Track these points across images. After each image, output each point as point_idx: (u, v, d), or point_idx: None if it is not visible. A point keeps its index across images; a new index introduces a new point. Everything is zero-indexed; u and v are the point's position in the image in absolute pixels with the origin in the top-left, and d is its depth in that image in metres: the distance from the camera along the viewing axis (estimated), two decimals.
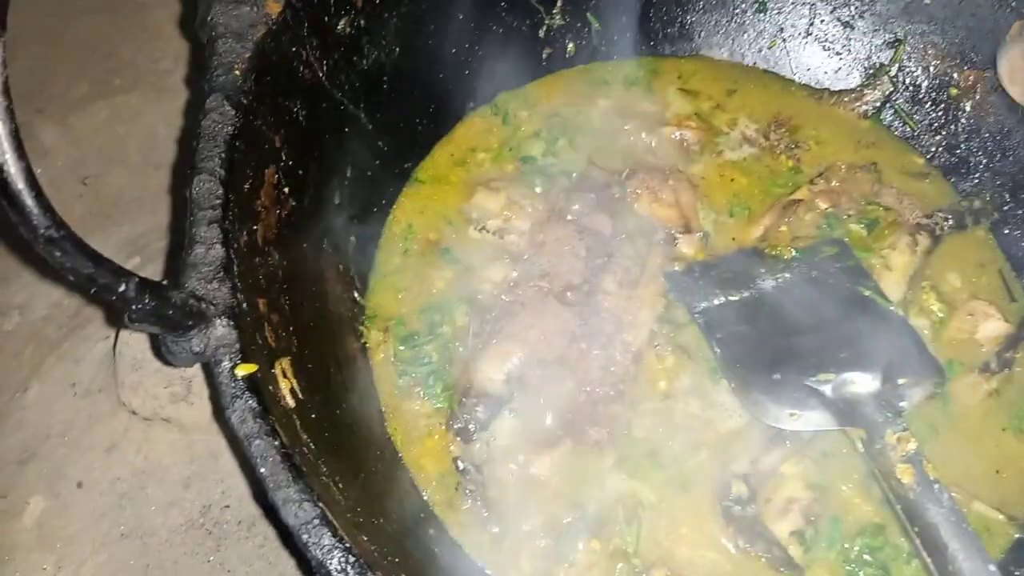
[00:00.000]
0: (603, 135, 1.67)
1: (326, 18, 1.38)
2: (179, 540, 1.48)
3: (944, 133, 1.71)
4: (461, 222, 1.54)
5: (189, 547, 1.47)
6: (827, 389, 1.30)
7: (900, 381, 1.31)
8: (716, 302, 1.44)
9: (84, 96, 2.11)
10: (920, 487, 1.18)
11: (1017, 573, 1.30)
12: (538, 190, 1.58)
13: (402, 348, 1.40)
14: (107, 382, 1.56)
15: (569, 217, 1.55)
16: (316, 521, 0.96)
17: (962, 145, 1.69)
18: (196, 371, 1.49)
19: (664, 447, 1.35)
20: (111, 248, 1.79)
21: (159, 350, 1.04)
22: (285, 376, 1.12)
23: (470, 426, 1.33)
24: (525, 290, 1.46)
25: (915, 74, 1.73)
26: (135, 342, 1.51)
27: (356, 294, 1.43)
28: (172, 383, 1.48)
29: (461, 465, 1.31)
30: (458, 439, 1.32)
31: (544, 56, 1.75)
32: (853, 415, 1.27)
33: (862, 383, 1.29)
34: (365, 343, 1.40)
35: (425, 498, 1.29)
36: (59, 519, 1.48)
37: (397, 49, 1.52)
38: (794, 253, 1.50)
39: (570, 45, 1.77)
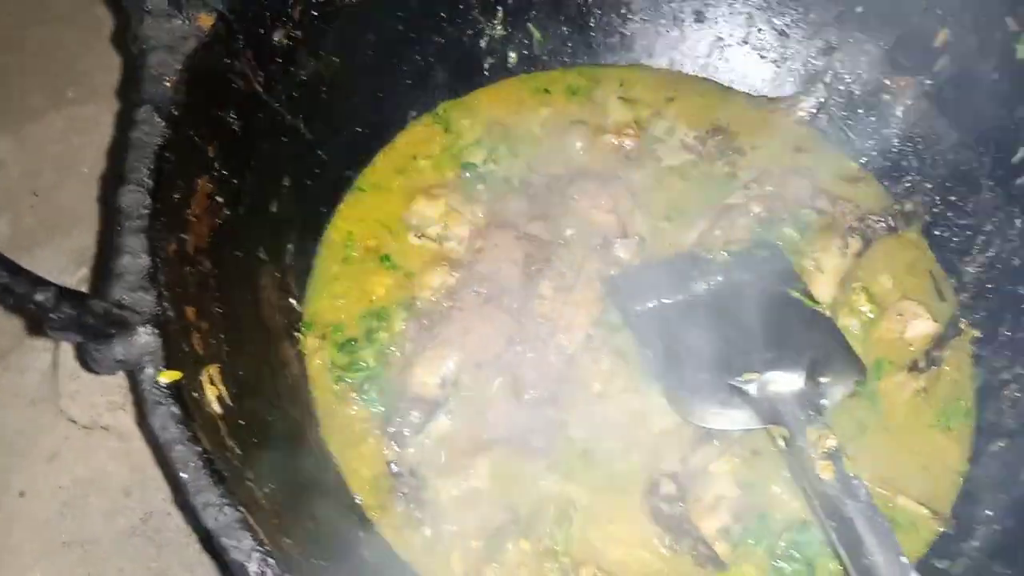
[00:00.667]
0: (544, 143, 1.70)
1: (261, 30, 1.40)
2: (121, 548, 1.49)
3: (877, 138, 1.75)
4: (401, 229, 1.57)
5: (131, 554, 1.48)
6: (751, 388, 1.33)
7: (823, 379, 1.34)
8: (650, 305, 1.47)
9: (39, 107, 2.11)
10: (839, 483, 1.21)
11: (940, 565, 1.34)
12: (478, 197, 1.61)
13: (339, 354, 1.42)
14: (50, 392, 1.57)
15: (508, 223, 1.58)
16: (236, 525, 0.98)
17: (894, 149, 1.73)
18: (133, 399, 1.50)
19: (597, 448, 1.38)
20: (62, 259, 1.80)
21: (83, 358, 1.05)
22: (212, 383, 1.13)
23: (405, 430, 1.35)
24: (463, 295, 1.48)
25: (848, 81, 1.77)
26: (74, 351, 1.52)
27: (293, 301, 1.45)
28: (110, 392, 1.49)
29: (395, 469, 1.33)
30: (392, 443, 1.34)
31: (486, 66, 1.78)
32: (776, 413, 1.31)
33: (785, 382, 1.33)
34: (301, 350, 1.42)
35: (358, 501, 1.30)
36: (1, 529, 1.49)
37: (336, 60, 1.55)
38: (727, 256, 1.54)
39: (512, 55, 1.80)
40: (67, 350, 1.52)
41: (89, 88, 2.15)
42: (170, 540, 1.49)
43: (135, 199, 1.13)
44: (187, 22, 1.27)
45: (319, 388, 1.40)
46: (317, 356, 1.42)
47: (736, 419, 1.33)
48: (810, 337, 1.39)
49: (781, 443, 1.29)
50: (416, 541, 1.28)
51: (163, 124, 1.20)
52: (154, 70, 1.23)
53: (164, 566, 1.47)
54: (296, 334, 1.43)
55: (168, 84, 1.23)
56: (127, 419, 1.50)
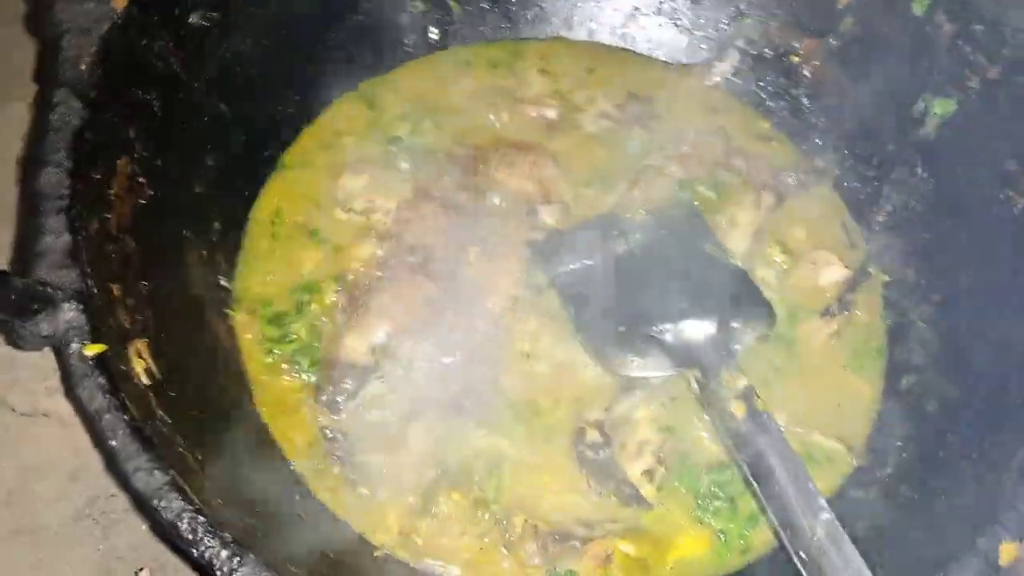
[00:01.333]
0: (467, 115, 1.74)
1: (176, 11, 1.42)
2: (69, 532, 1.50)
3: (788, 98, 1.82)
4: (328, 204, 1.60)
5: (79, 538, 1.50)
6: (667, 337, 1.39)
7: (734, 325, 1.41)
8: (572, 267, 1.53)
9: None
10: (750, 419, 1.28)
11: (855, 494, 1.42)
12: (404, 170, 1.64)
13: (269, 327, 1.45)
14: None
15: (434, 194, 1.62)
16: (166, 487, 1.01)
17: (804, 108, 1.81)
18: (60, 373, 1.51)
19: (525, 404, 1.43)
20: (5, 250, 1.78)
21: (9, 335, 1.07)
22: (140, 356, 1.16)
23: (338, 397, 1.39)
24: (392, 265, 1.52)
25: (759, 44, 1.83)
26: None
27: (222, 279, 1.48)
28: (48, 377, 1.51)
29: (329, 434, 1.37)
30: (326, 410, 1.38)
31: (408, 42, 1.81)
32: (691, 359, 1.37)
33: (699, 329, 1.40)
34: (232, 325, 1.45)
35: (293, 468, 1.34)
36: None
37: (255, 40, 1.57)
38: (645, 216, 1.60)
39: (433, 30, 1.83)
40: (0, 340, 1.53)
41: (19, 85, 2.14)
42: (117, 521, 1.51)
43: (55, 180, 1.15)
44: (100, 4, 1.29)
45: (251, 361, 1.43)
46: (248, 331, 1.45)
47: (654, 366, 1.40)
48: (722, 287, 1.46)
49: (695, 386, 1.36)
50: (352, 501, 1.32)
51: (80, 106, 1.22)
52: (69, 53, 1.25)
53: (112, 546, 1.49)
54: (226, 310, 1.46)
55: (84, 67, 1.25)
56: (66, 403, 1.52)
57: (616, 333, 1.41)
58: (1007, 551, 1.12)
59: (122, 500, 1.52)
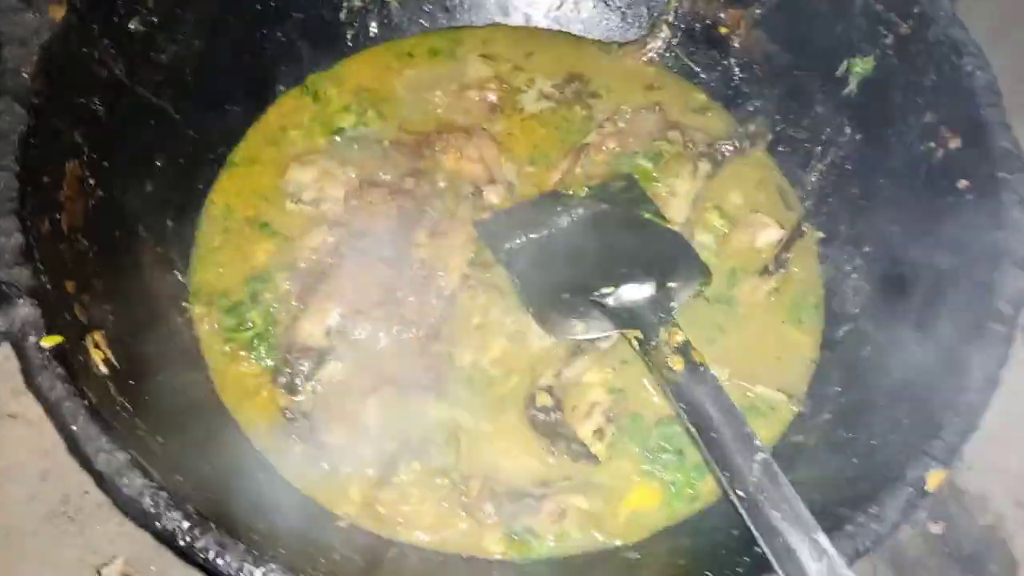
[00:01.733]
0: (410, 103, 1.80)
1: (115, 19, 1.46)
2: (44, 530, 1.54)
3: (719, 69, 1.89)
4: (278, 197, 1.65)
5: (54, 535, 1.54)
6: (609, 300, 1.46)
7: (671, 285, 1.48)
8: (518, 242, 1.59)
9: None
10: (688, 372, 1.34)
11: (796, 439, 1.49)
12: (350, 159, 1.69)
13: (226, 317, 1.50)
14: None
15: (381, 181, 1.67)
16: (127, 465, 1.06)
17: (736, 78, 1.87)
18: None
19: (479, 375, 1.49)
20: None
21: None
22: (98, 347, 1.21)
23: (296, 379, 1.44)
24: (343, 251, 1.57)
25: (688, 19, 1.90)
26: None
27: (177, 274, 1.52)
28: (12, 378, 1.54)
29: (290, 415, 1.42)
30: (285, 392, 1.43)
31: (348, 36, 1.86)
32: (632, 319, 1.44)
33: (638, 291, 1.46)
34: (189, 317, 1.50)
35: (256, 447, 1.39)
36: None
37: (197, 42, 1.61)
38: (587, 191, 1.66)
39: (373, 24, 1.88)
40: None
41: None
42: (90, 517, 1.55)
43: (5, 183, 1.20)
44: (37, 15, 1.33)
45: (210, 351, 1.48)
46: (205, 322, 1.50)
47: (597, 328, 1.46)
48: (659, 250, 1.53)
49: (635, 344, 1.42)
50: (315, 476, 1.38)
51: (24, 113, 1.26)
52: (9, 63, 1.29)
53: (87, 541, 1.53)
54: (183, 303, 1.51)
55: (25, 75, 1.29)
56: (32, 403, 1.56)
57: (560, 301, 1.48)
58: (934, 477, 1.19)
59: (95, 496, 1.56)
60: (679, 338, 1.39)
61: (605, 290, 1.46)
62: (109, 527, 1.54)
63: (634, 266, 1.49)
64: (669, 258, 1.52)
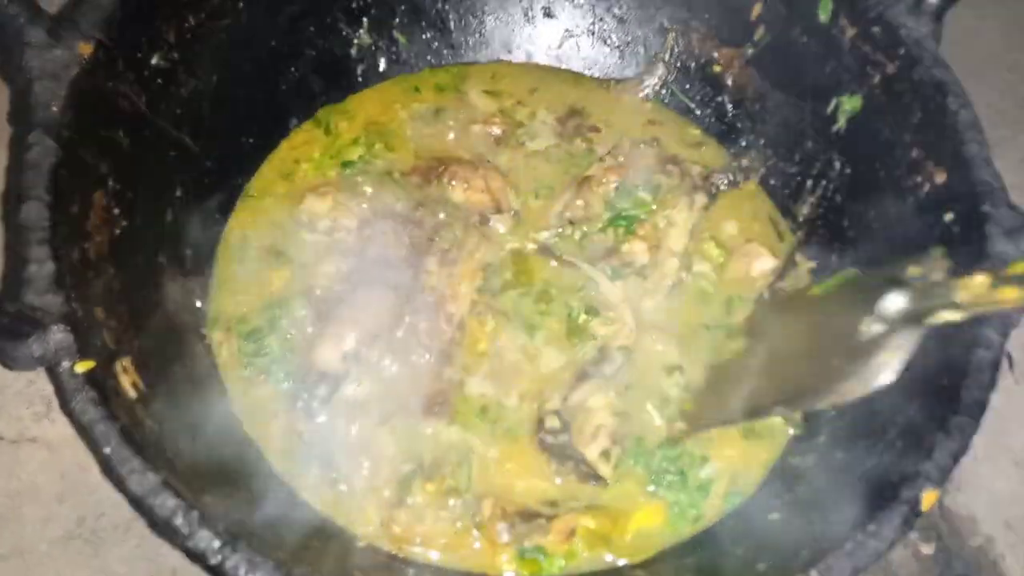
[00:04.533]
0: (417, 136, 1.86)
1: (139, 54, 1.51)
2: (59, 553, 1.57)
3: (713, 105, 1.97)
4: (293, 227, 1.70)
5: (70, 557, 1.56)
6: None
7: None
8: None
9: None
10: None
11: (793, 461, 1.55)
12: (363, 191, 1.75)
13: (245, 343, 1.54)
14: None
15: (392, 211, 1.73)
16: (159, 486, 1.10)
17: (729, 114, 1.95)
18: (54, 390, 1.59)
19: (490, 399, 1.54)
20: None
21: (2, 358, 1.15)
22: (126, 372, 1.25)
23: (313, 403, 1.48)
24: (356, 279, 1.63)
25: (683, 57, 1.98)
26: None
27: (197, 301, 1.57)
28: (33, 403, 1.58)
29: (307, 438, 1.46)
30: (303, 415, 1.48)
31: (359, 72, 1.93)
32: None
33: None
34: (209, 343, 1.54)
35: (275, 470, 1.43)
36: None
37: (215, 76, 1.67)
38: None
39: (382, 60, 1.95)
40: None
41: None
42: (105, 539, 1.58)
43: (37, 213, 1.24)
44: (67, 51, 1.38)
45: (229, 376, 1.52)
46: (224, 347, 1.54)
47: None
48: None
49: None
50: (333, 497, 1.42)
51: (55, 146, 1.31)
52: (41, 98, 1.34)
53: (103, 564, 1.56)
54: (203, 330, 1.55)
55: (56, 109, 1.34)
56: (52, 428, 1.59)
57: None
58: (928, 498, 1.24)
59: (110, 519, 1.59)
60: None
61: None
62: (124, 550, 1.57)
63: None
64: None
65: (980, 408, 1.28)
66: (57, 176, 1.28)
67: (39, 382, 1.60)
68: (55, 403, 1.59)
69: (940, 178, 1.53)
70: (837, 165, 1.77)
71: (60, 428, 1.60)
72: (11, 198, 1.79)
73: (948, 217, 1.49)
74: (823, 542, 1.22)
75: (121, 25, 1.44)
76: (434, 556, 1.39)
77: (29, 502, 1.59)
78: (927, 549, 1.69)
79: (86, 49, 1.40)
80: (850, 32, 1.69)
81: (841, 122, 1.74)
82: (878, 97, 1.66)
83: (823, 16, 1.73)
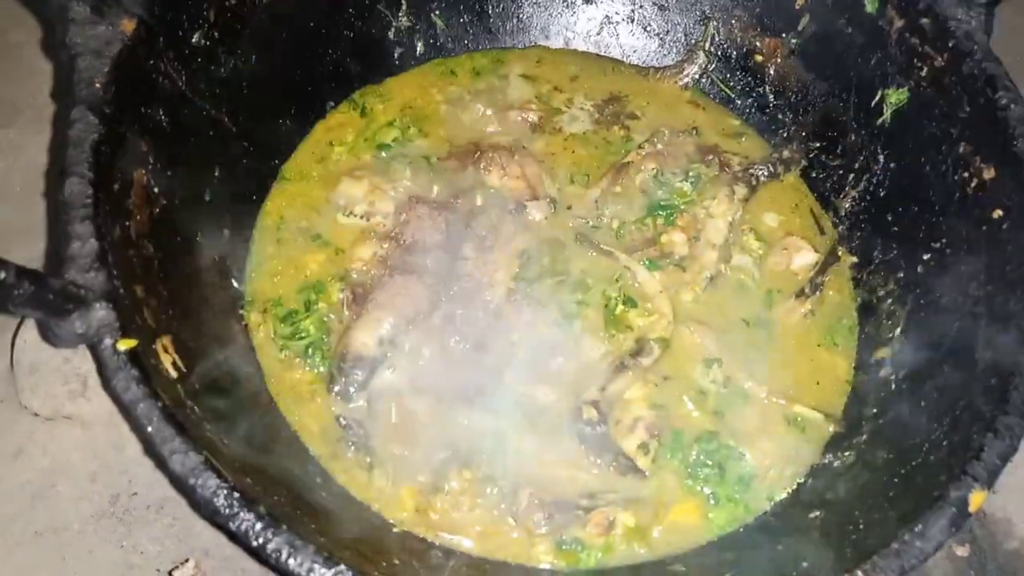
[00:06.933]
0: (454, 121, 1.85)
1: (180, 32, 1.50)
2: (91, 530, 1.57)
3: (754, 95, 1.94)
4: (329, 210, 1.69)
5: (102, 535, 1.56)
6: None
7: None
8: None
9: None
10: None
11: (833, 457, 1.52)
12: (398, 174, 1.74)
13: (281, 325, 1.54)
14: (8, 392, 1.64)
15: (429, 196, 1.72)
16: (201, 466, 1.09)
17: (770, 104, 1.93)
18: (91, 367, 1.58)
19: (526, 387, 1.52)
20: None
21: (46, 334, 1.14)
22: (167, 351, 1.24)
23: (350, 388, 1.47)
24: (393, 263, 1.61)
25: (724, 46, 1.96)
26: (31, 348, 1.59)
27: (234, 281, 1.56)
28: (69, 381, 1.57)
29: (343, 422, 1.45)
30: (339, 399, 1.47)
31: (396, 55, 1.92)
32: None
33: None
34: (246, 324, 1.53)
35: (312, 453, 1.42)
36: None
37: (254, 57, 1.66)
38: None
39: (419, 44, 1.94)
40: (21, 348, 1.60)
41: (11, 113, 2.21)
42: (138, 518, 1.57)
43: (79, 190, 1.23)
44: (110, 28, 1.37)
45: (266, 357, 1.51)
46: (261, 329, 1.54)
47: None
48: None
49: None
50: (368, 482, 1.41)
51: (97, 122, 1.30)
52: (84, 74, 1.33)
53: (135, 542, 1.55)
54: (240, 311, 1.55)
55: (98, 86, 1.33)
56: (88, 406, 1.58)
57: None
58: (976, 498, 1.22)
59: (143, 498, 1.59)
60: None
61: None
62: (156, 529, 1.57)
63: None
64: None
65: None
66: (99, 153, 1.27)
67: (75, 359, 1.59)
68: (91, 381, 1.59)
69: (989, 174, 1.50)
70: (881, 159, 1.74)
71: (95, 406, 1.59)
72: (54, 174, 1.79)
73: (996, 214, 1.47)
74: (867, 541, 1.20)
75: (163, 3, 1.43)
76: (471, 544, 1.38)
77: (63, 480, 1.58)
78: (962, 551, 1.66)
79: (128, 26, 1.39)
80: (898, 24, 1.66)
81: (886, 115, 1.71)
82: (925, 90, 1.64)
83: (870, 7, 1.71)
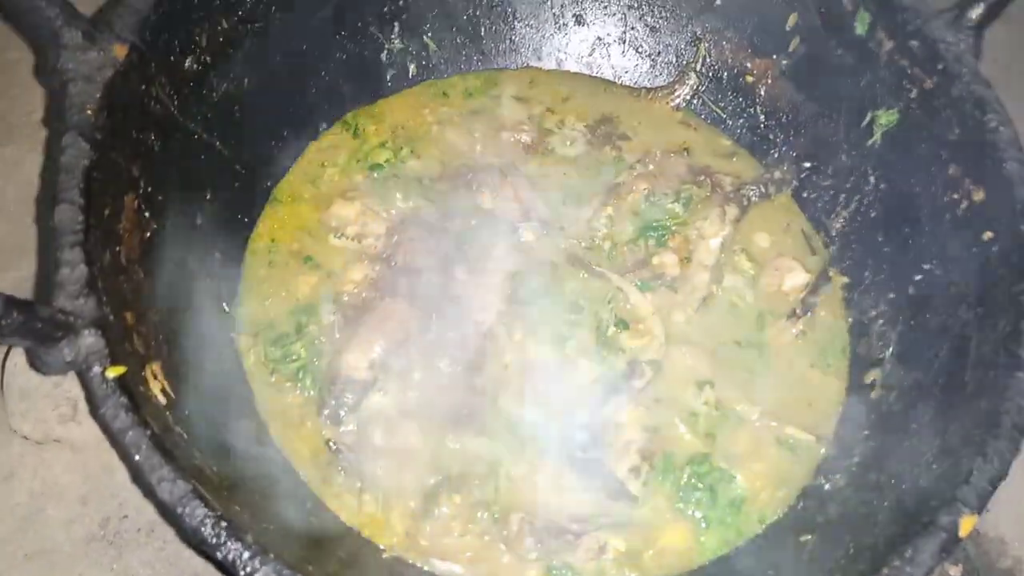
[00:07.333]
0: (446, 142, 1.85)
1: (172, 58, 1.51)
2: (82, 553, 1.56)
3: (745, 116, 1.94)
4: (321, 232, 1.70)
5: (93, 559, 1.56)
6: None
7: None
8: None
9: None
10: None
11: (826, 480, 1.52)
12: (390, 196, 1.74)
13: (272, 348, 1.53)
14: (0, 415, 1.64)
15: (420, 218, 1.72)
16: (189, 495, 1.08)
17: (762, 125, 1.93)
18: (81, 392, 1.57)
19: (518, 410, 1.52)
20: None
21: (34, 362, 1.14)
22: (156, 378, 1.24)
23: (340, 411, 1.47)
24: (385, 285, 1.62)
25: (716, 67, 1.96)
26: (21, 372, 1.59)
27: (224, 305, 1.56)
28: (59, 405, 1.57)
29: (334, 446, 1.45)
30: (329, 423, 1.47)
31: (388, 77, 1.92)
32: None
33: None
34: (236, 348, 1.53)
35: (302, 477, 1.42)
36: None
37: (246, 80, 1.66)
38: None
39: (411, 65, 1.94)
40: (12, 372, 1.60)
41: (6, 131, 2.22)
42: (128, 541, 1.57)
43: (69, 216, 1.23)
44: (102, 53, 1.38)
45: (256, 381, 1.51)
46: (251, 353, 1.54)
47: None
48: None
49: None
50: (358, 506, 1.40)
51: (88, 148, 1.30)
52: (75, 99, 1.33)
53: (125, 566, 1.55)
54: (231, 334, 1.54)
55: (90, 112, 1.34)
56: (78, 430, 1.58)
57: None
58: (966, 524, 1.22)
59: (134, 521, 1.58)
60: None
61: None
62: (147, 552, 1.56)
63: None
64: None
65: (1020, 433, 1.25)
66: (90, 179, 1.27)
67: (65, 384, 1.59)
68: (81, 405, 1.59)
69: (979, 196, 1.51)
70: (872, 180, 1.74)
71: (85, 430, 1.59)
72: (46, 200, 1.79)
73: (986, 236, 1.47)
74: (858, 566, 1.20)
75: (155, 28, 1.43)
76: (460, 570, 1.37)
77: (53, 503, 1.58)
78: (955, 571, 1.66)
79: (120, 51, 1.39)
80: (887, 46, 1.67)
81: (877, 136, 1.72)
82: (915, 112, 1.64)
83: (860, 28, 1.71)
